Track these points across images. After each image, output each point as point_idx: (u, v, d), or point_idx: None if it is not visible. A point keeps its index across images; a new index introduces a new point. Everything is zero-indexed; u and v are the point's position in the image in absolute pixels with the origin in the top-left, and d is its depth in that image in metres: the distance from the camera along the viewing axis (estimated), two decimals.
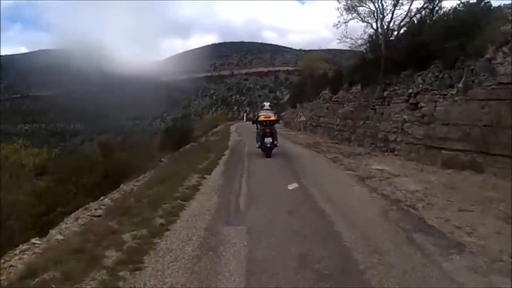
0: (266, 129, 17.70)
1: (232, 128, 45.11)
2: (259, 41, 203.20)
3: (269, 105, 20.76)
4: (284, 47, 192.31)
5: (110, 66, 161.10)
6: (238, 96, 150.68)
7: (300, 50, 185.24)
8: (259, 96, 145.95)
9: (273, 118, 18.61)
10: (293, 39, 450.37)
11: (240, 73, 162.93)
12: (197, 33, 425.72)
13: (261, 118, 18.65)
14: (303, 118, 36.98)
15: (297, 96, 45.51)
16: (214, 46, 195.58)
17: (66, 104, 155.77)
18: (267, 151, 17.53)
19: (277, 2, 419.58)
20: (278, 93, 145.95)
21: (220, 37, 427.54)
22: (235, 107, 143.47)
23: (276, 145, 18.00)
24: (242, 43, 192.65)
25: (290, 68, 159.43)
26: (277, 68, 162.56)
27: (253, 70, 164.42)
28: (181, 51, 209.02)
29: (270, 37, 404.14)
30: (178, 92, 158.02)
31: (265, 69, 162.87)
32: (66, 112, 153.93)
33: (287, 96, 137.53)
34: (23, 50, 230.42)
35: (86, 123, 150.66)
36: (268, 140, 17.51)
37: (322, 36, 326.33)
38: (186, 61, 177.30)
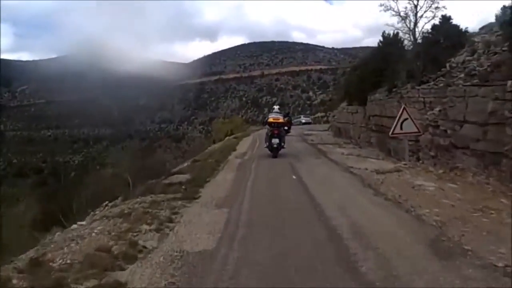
0: (274, 130, 19.15)
1: (249, 142, 32.17)
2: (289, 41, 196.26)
3: (279, 108, 21.77)
4: (316, 45, 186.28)
5: (136, 70, 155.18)
6: (269, 97, 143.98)
7: (332, 48, 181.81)
8: (291, 96, 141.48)
9: (281, 120, 19.83)
10: (322, 39, 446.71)
11: (271, 73, 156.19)
12: (225, 35, 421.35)
13: (270, 120, 19.85)
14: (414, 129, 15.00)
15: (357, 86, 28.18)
16: (243, 46, 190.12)
17: (91, 109, 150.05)
18: (274, 151, 19.15)
19: (306, 3, 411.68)
20: (311, 93, 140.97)
21: (248, 38, 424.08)
22: (266, 109, 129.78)
23: (283, 147, 19.72)
24: (272, 42, 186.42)
25: (323, 67, 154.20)
26: (309, 67, 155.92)
27: (284, 70, 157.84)
28: (209, 53, 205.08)
29: (299, 38, 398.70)
30: (206, 95, 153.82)
31: (297, 69, 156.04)
32: (90, 117, 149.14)
33: (321, 97, 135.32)
34: (52, 56, 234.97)
35: (111, 128, 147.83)
36: (275, 140, 19.07)
37: (352, 35, 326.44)
38: (214, 63, 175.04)
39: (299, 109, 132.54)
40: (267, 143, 19.61)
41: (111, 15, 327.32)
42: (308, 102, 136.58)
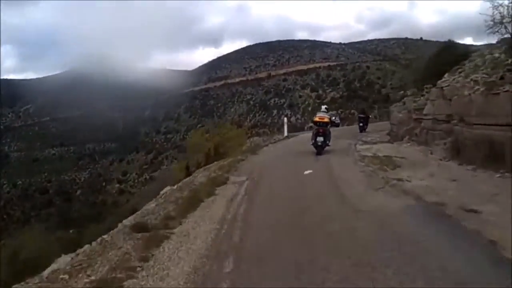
0: (320, 129, 20.10)
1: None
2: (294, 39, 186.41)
3: (326, 108, 22.80)
4: (322, 41, 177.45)
5: (140, 81, 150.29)
6: (277, 98, 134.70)
7: (340, 43, 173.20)
8: (300, 96, 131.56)
9: (326, 119, 20.73)
10: (327, 36, 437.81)
11: (278, 74, 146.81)
12: (229, 39, 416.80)
13: (316, 119, 21.14)
14: None
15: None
16: (248, 48, 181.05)
17: (95, 124, 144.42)
18: (318, 149, 19.83)
19: (307, 1, 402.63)
20: (320, 91, 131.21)
21: (252, 40, 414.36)
22: (275, 111, 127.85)
23: (328, 145, 20.47)
24: (277, 42, 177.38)
25: (331, 63, 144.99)
26: (318, 65, 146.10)
27: (291, 69, 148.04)
28: (213, 58, 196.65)
29: (303, 36, 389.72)
30: (212, 101, 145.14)
31: (305, 67, 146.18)
32: (95, 132, 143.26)
33: (331, 94, 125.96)
34: (56, 72, 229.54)
35: (116, 142, 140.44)
36: (320, 139, 19.76)
37: (357, 29, 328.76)
38: (219, 67, 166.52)
39: (310, 108, 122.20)
40: (313, 141, 20.15)
41: (113, 27, 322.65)
42: (318, 100, 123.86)
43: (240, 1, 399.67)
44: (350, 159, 18.09)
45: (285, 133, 34.08)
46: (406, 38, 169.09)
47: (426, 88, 22.98)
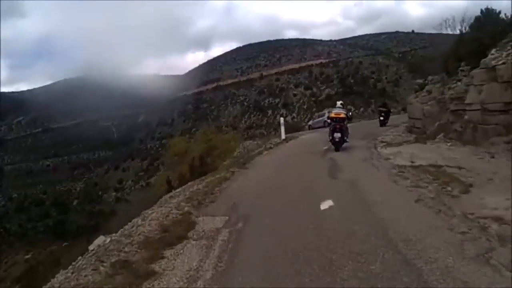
0: (336, 125, 18.97)
1: None
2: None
3: (341, 104, 21.22)
4: (313, 39, 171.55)
5: (132, 88, 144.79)
6: (271, 98, 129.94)
7: (331, 40, 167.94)
8: (295, 95, 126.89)
9: (342, 115, 19.59)
10: (316, 33, 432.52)
11: (270, 74, 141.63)
12: (218, 41, 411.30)
13: (332, 115, 20.17)
14: None
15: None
16: (238, 49, 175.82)
17: (89, 133, 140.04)
18: (336, 145, 18.61)
19: (295, 1, 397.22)
20: (314, 89, 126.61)
21: (242, 41, 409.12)
22: (270, 111, 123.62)
23: (346, 141, 19.16)
24: (267, 42, 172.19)
25: (323, 61, 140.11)
26: (310, 63, 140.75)
27: (283, 68, 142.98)
28: (204, 61, 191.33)
29: (293, 35, 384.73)
30: (205, 104, 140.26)
31: (297, 66, 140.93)
32: (89, 141, 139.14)
33: (325, 91, 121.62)
34: (48, 82, 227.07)
35: (111, 150, 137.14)
36: (337, 135, 18.63)
37: (346, 26, 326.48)
38: (211, 70, 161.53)
39: (305, 107, 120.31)
40: (330, 137, 19.16)
41: (104, 36, 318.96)
42: (313, 98, 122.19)
43: (227, 1, 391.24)
44: (382, 172, 12.14)
45: (283, 136, 27.67)
46: (397, 32, 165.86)
47: (462, 70, 17.22)
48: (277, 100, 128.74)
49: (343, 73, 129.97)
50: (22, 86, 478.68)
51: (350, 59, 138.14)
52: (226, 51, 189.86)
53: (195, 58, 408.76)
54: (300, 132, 38.51)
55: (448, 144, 15.71)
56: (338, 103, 21.37)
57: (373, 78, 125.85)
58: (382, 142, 19.71)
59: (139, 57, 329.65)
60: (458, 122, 16.12)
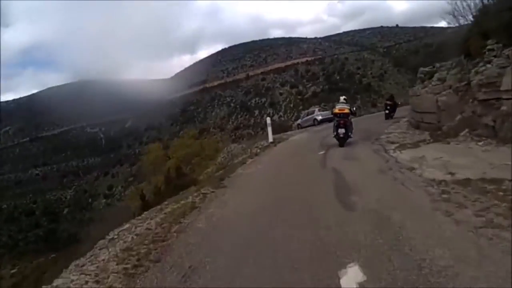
0: (340, 121, 18.25)
1: None
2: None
3: (344, 99, 19.93)
4: (298, 38, 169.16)
5: (119, 93, 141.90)
6: (257, 98, 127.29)
7: (316, 38, 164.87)
8: (281, 94, 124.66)
9: (346, 110, 18.70)
10: (302, 32, 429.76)
11: (256, 74, 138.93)
12: (204, 44, 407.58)
13: (336, 110, 19.07)
14: None
15: None
16: (224, 51, 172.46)
17: (77, 140, 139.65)
18: (341, 141, 17.96)
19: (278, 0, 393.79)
20: (300, 87, 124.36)
21: (227, 43, 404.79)
22: (256, 111, 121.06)
23: (350, 136, 18.43)
24: (252, 42, 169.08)
25: (309, 58, 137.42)
26: (295, 61, 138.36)
27: (269, 68, 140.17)
28: (190, 64, 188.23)
29: (278, 34, 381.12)
30: (192, 106, 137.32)
31: (282, 64, 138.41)
32: (77, 148, 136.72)
33: (312, 89, 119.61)
34: (34, 91, 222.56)
35: (99, 156, 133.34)
36: (341, 130, 17.98)
37: (331, 23, 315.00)
38: (197, 73, 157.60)
39: (291, 105, 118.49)
40: (334, 133, 18.37)
41: (89, 44, 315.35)
42: (300, 96, 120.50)
43: (212, 1, 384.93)
44: (415, 193, 7.82)
45: (270, 138, 23.56)
46: (382, 27, 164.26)
47: (490, 50, 13.47)
48: (263, 100, 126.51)
49: (328, 70, 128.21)
50: (8, 96, 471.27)
51: (335, 56, 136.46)
52: (212, 53, 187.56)
53: (181, 61, 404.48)
54: (289, 133, 34.00)
55: (480, 143, 11.92)
56: (342, 98, 20.21)
57: (358, 73, 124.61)
58: (390, 142, 15.89)
59: (124, 62, 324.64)
60: (489, 115, 12.31)
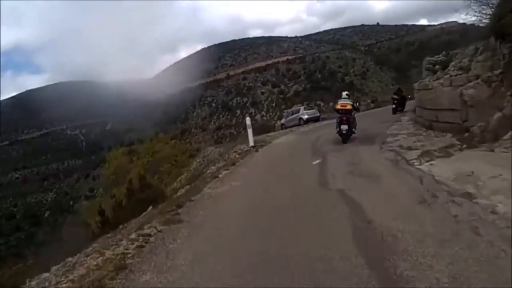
0: (343, 117, 16.97)
1: None
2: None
3: (347, 94, 18.52)
4: (278, 36, 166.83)
5: (101, 96, 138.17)
6: (239, 98, 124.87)
7: (296, 37, 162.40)
8: (262, 93, 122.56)
9: (348, 106, 17.34)
10: (282, 31, 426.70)
11: (237, 73, 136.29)
12: (185, 44, 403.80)
13: (338, 106, 17.70)
14: None
15: None
16: (204, 51, 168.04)
17: (58, 143, 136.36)
18: (343, 138, 16.69)
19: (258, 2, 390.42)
20: (282, 86, 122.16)
21: (207, 43, 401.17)
22: (238, 111, 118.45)
23: (354, 132, 17.11)
24: (232, 41, 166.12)
25: (290, 57, 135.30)
26: (276, 60, 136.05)
27: (250, 67, 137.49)
28: (170, 64, 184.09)
29: (258, 34, 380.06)
30: (173, 107, 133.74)
31: (263, 63, 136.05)
32: (58, 151, 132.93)
33: (293, 88, 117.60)
34: (12, 93, 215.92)
35: (80, 158, 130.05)
36: (344, 127, 16.73)
37: (310, 22, 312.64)
38: (177, 73, 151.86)
39: (273, 104, 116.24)
40: (337, 129, 16.94)
41: (67, 43, 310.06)
42: (281, 96, 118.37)
43: (192, 1, 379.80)
44: None
45: (251, 142, 19.47)
46: (363, 25, 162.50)
47: None
48: (245, 100, 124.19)
49: (310, 69, 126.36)
50: None
51: (316, 54, 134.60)
52: (192, 53, 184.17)
53: (162, 62, 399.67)
54: (272, 134, 29.22)
55: None
56: (344, 93, 18.78)
57: (340, 72, 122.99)
58: (404, 147, 12.10)
59: (105, 63, 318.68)
60: None
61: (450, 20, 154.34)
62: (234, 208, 9.05)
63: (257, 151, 18.11)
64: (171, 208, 9.66)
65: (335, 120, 29.83)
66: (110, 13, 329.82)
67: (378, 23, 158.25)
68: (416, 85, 19.06)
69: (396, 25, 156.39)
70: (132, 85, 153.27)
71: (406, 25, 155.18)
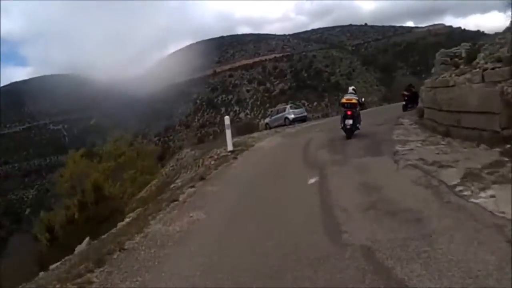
0: (348, 111, 16.05)
1: None
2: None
3: (353, 89, 17.82)
4: (267, 34, 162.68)
5: (86, 91, 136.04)
6: (224, 95, 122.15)
7: (284, 35, 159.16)
8: (248, 91, 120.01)
9: (354, 101, 16.44)
10: (270, 29, 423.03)
11: (223, 70, 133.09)
12: (173, 41, 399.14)
13: (343, 100, 16.73)
14: None
15: None
16: (191, 47, 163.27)
17: (40, 138, 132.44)
18: (348, 133, 15.84)
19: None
20: (268, 84, 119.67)
21: (195, 39, 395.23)
22: (223, 108, 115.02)
23: (358, 128, 16.14)
24: (220, 38, 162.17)
25: (277, 55, 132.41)
26: (263, 58, 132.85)
27: (237, 64, 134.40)
28: (156, 60, 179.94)
29: (246, 31, 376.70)
30: (158, 104, 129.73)
31: (250, 61, 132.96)
32: (40, 146, 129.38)
33: (279, 86, 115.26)
34: None
35: (63, 154, 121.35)
36: (349, 121, 15.85)
37: (299, 21, 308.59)
38: (164, 70, 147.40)
39: (258, 103, 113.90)
40: (342, 124, 16.05)
41: (52, 36, 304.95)
42: (267, 94, 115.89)
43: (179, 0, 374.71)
44: None
45: (229, 146, 15.96)
46: (351, 25, 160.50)
47: None
48: (230, 97, 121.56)
49: (296, 68, 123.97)
50: None
51: (303, 53, 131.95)
52: (179, 48, 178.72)
53: (149, 58, 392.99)
54: (255, 135, 25.12)
55: None
56: (350, 88, 18.25)
57: (327, 71, 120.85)
58: (427, 162, 8.63)
59: (91, 58, 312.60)
60: None
61: (436, 22, 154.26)
62: (184, 273, 5.32)
63: (235, 157, 14.53)
64: (86, 265, 5.98)
65: (322, 121, 27.02)
66: (97, 7, 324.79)
67: (366, 24, 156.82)
68: (428, 81, 15.85)
69: (383, 26, 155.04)
70: (117, 80, 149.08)
71: (394, 26, 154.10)
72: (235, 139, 18.70)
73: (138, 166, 22.35)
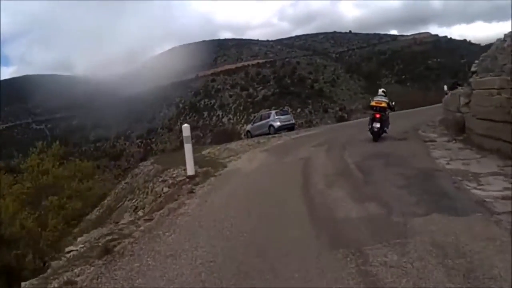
0: (376, 114, 15.11)
1: None
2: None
3: (383, 91, 16.32)
4: (250, 39, 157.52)
5: (69, 91, 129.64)
6: (206, 100, 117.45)
7: (268, 40, 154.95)
8: (230, 96, 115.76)
9: (383, 104, 15.37)
10: (252, 35, 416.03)
11: (206, 75, 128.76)
12: (155, 43, 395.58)
13: (373, 103, 15.72)
14: None
15: None
16: (174, 50, 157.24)
17: (22, 137, 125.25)
18: (375, 135, 14.87)
19: (230, 2, 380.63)
20: (251, 90, 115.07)
21: (176, 42, 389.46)
22: (205, 113, 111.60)
23: (385, 131, 15.28)
24: (203, 42, 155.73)
25: (260, 61, 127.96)
26: (246, 63, 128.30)
27: (219, 69, 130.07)
28: (139, 63, 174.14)
29: (228, 37, 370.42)
30: (141, 106, 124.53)
31: (233, 66, 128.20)
32: (21, 145, 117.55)
33: (262, 92, 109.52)
34: None
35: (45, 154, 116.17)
36: (376, 125, 14.90)
37: (281, 28, 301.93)
38: (147, 72, 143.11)
39: (241, 108, 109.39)
40: (369, 127, 15.08)
41: (35, 36, 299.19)
42: (250, 99, 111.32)
43: (163, 0, 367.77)
44: None
45: (189, 170, 10.48)
46: (334, 32, 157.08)
47: None
48: (213, 102, 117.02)
49: (279, 74, 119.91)
50: None
51: (287, 60, 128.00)
52: (161, 52, 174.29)
53: (132, 60, 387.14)
54: (234, 145, 19.04)
55: None
56: (380, 90, 16.33)
57: (310, 78, 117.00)
58: None
59: (74, 58, 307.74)
60: None
61: (422, 31, 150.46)
62: None
63: (192, 191, 8.70)
64: None
65: (314, 131, 25.43)
66: (81, 8, 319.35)
67: (350, 31, 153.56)
68: (472, 81, 10.63)
69: (368, 34, 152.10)
70: (101, 80, 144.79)
71: (378, 34, 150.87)
72: (208, 150, 14.12)
73: (70, 189, 16.95)
